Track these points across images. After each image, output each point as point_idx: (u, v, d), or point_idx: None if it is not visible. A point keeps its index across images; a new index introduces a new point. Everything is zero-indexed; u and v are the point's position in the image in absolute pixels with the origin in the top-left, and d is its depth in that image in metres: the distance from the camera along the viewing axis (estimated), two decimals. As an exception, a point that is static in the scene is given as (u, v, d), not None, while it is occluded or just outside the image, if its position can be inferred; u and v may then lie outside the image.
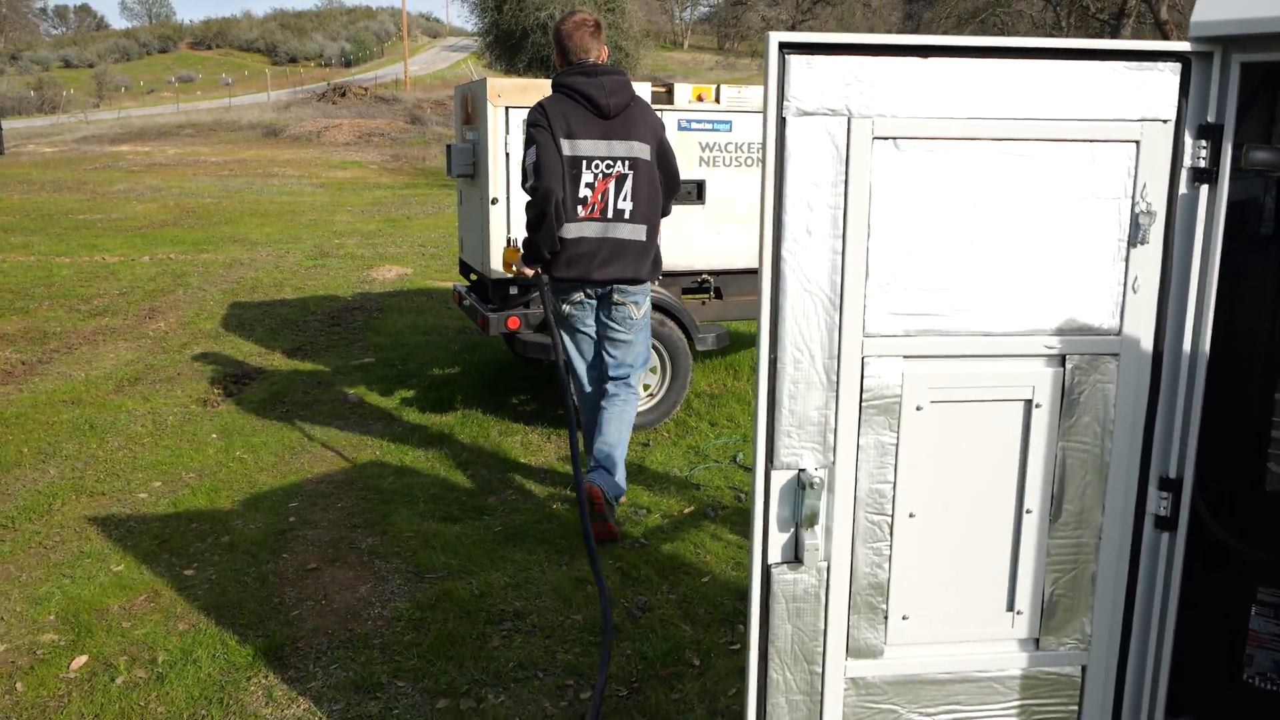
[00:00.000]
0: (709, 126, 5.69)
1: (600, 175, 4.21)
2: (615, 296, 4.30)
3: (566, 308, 4.32)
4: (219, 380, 6.67)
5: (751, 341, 7.08)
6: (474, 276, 6.42)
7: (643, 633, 3.41)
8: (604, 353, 4.42)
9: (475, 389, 6.37)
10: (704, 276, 5.91)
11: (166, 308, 8.83)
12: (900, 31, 69.71)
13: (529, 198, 4.20)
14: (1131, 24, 33.45)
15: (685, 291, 5.89)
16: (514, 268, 4.39)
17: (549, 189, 4.06)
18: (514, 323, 5.44)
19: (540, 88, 5.34)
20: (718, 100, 5.69)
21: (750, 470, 4.80)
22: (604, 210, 4.23)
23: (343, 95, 38.72)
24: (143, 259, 11.19)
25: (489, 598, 3.67)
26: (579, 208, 4.20)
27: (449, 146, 5.94)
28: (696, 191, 5.71)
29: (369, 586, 3.79)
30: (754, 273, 6.03)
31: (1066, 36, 43.14)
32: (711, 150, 5.71)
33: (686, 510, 4.49)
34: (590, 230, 4.22)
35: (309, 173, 21.72)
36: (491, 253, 5.43)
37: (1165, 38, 36.08)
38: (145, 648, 3.40)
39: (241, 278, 10.16)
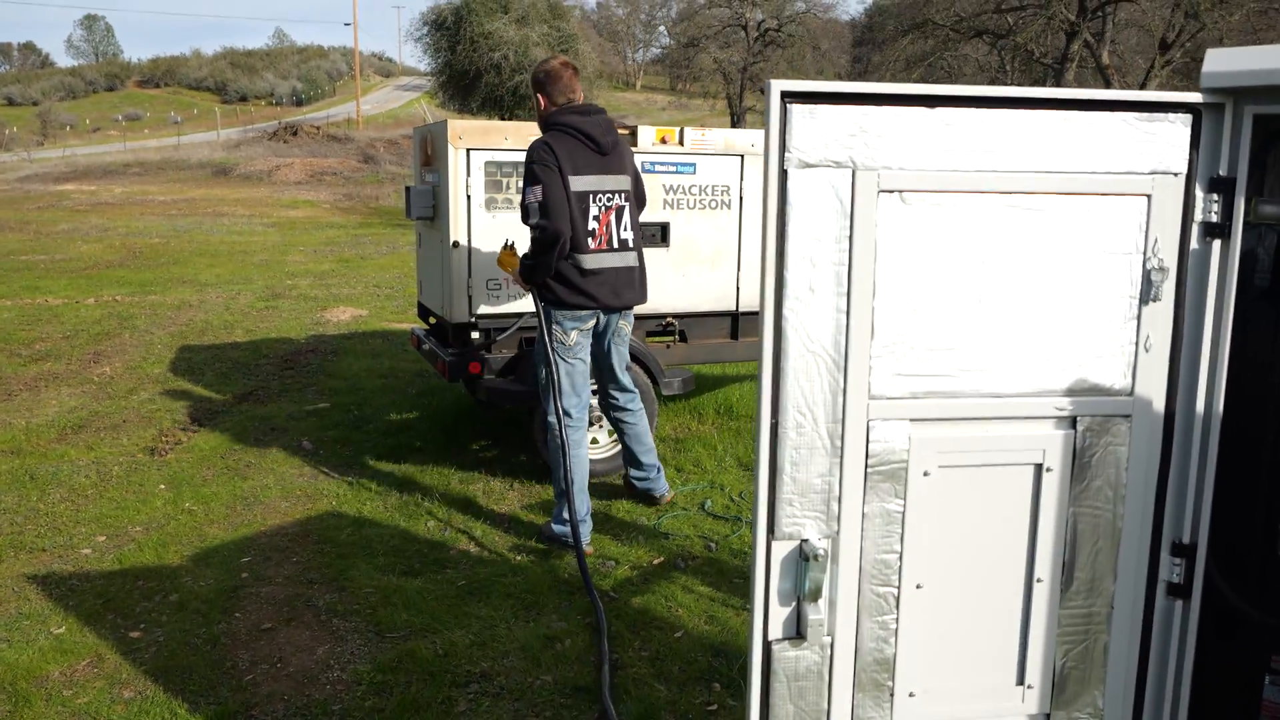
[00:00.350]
0: (673, 169, 5.64)
1: (603, 208, 4.46)
2: (620, 320, 4.64)
3: (575, 334, 4.46)
4: (167, 427, 6.44)
5: (715, 385, 7.01)
6: (433, 320, 6.29)
7: (615, 693, 3.27)
8: (610, 367, 4.71)
9: (434, 434, 6.21)
10: (668, 320, 5.83)
11: (112, 351, 8.56)
12: (849, 75, 71.09)
13: (535, 234, 4.31)
14: (1074, 68, 34.35)
15: (649, 335, 5.80)
16: (510, 272, 4.64)
17: (558, 231, 4.23)
18: (475, 368, 5.31)
19: (501, 129, 5.26)
20: (681, 142, 5.65)
21: (722, 519, 4.77)
22: (610, 241, 4.49)
23: (294, 134, 38.39)
24: (87, 301, 10.88)
25: (453, 658, 3.51)
26: (589, 239, 4.41)
27: (408, 189, 5.83)
28: (661, 234, 5.65)
29: (327, 648, 3.61)
30: (720, 315, 6.00)
31: (1011, 81, 44.25)
32: (675, 193, 5.66)
33: (656, 561, 4.37)
34: (607, 261, 4.47)
35: (260, 212, 21.41)
36: (454, 297, 5.31)
37: (1107, 83, 37.14)
38: (87, 718, 3.19)
39: (191, 320, 9.91)
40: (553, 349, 4.39)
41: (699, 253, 5.77)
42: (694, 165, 5.68)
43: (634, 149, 5.51)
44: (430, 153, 5.68)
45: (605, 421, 5.40)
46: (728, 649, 3.54)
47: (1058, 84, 34.94)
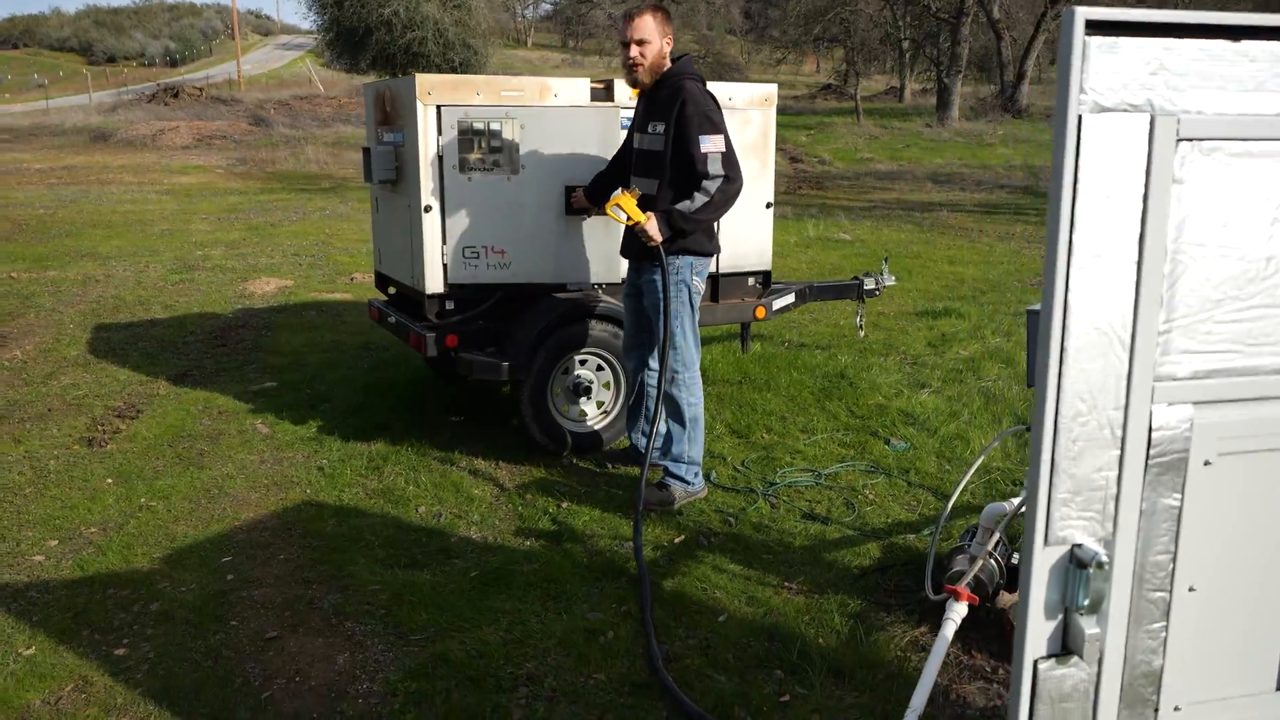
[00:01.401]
0: (651, 125, 5.36)
1: None
2: None
3: (698, 282, 4.46)
4: (100, 415, 5.92)
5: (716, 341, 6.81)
6: (393, 290, 5.91)
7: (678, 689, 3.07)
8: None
9: (400, 410, 5.85)
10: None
11: (19, 333, 7.87)
12: (741, 29, 70.91)
13: (719, 185, 4.22)
14: (969, 22, 34.96)
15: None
16: (628, 219, 4.31)
17: (741, 185, 4.32)
18: (453, 341, 4.99)
19: (471, 84, 4.91)
20: (659, 97, 5.37)
21: (733, 490, 4.53)
22: None
23: (175, 96, 36.45)
24: (-23, 278, 10.02)
25: (490, 659, 3.25)
26: None
27: (366, 150, 5.43)
28: (640, 194, 5.38)
29: (346, 656, 3.31)
30: (730, 277, 5.78)
31: (904, 35, 44.68)
32: (654, 150, 5.39)
33: (677, 540, 4.17)
34: None
35: (150, 179, 20.18)
36: (425, 265, 4.96)
37: (998, 37, 37.89)
38: (88, 754, 2.84)
39: (100, 296, 9.20)
40: (689, 300, 4.41)
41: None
42: (672, 120, 5.41)
43: (610, 104, 5.23)
44: (390, 110, 5.27)
45: (594, 392, 5.15)
46: (779, 632, 3.37)
47: (954, 38, 35.57)
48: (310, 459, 5.17)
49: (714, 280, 5.78)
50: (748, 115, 5.62)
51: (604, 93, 5.27)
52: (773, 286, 6.03)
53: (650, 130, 4.38)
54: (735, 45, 69.76)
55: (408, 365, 6.78)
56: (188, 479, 4.92)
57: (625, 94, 5.27)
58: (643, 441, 4.76)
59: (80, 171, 21.25)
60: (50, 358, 7.20)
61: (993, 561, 3.18)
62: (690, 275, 4.42)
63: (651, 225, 4.21)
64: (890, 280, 6.81)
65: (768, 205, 5.85)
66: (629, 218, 4.24)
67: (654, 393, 4.68)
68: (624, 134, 5.26)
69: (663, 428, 4.58)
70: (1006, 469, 4.82)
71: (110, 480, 4.92)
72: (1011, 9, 41.99)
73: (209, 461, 5.16)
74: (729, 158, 4.22)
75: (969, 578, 3.02)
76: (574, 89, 5.13)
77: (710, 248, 4.52)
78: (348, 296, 9.24)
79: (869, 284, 6.70)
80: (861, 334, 7.19)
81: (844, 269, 10.24)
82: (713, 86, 5.50)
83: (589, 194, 4.95)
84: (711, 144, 4.17)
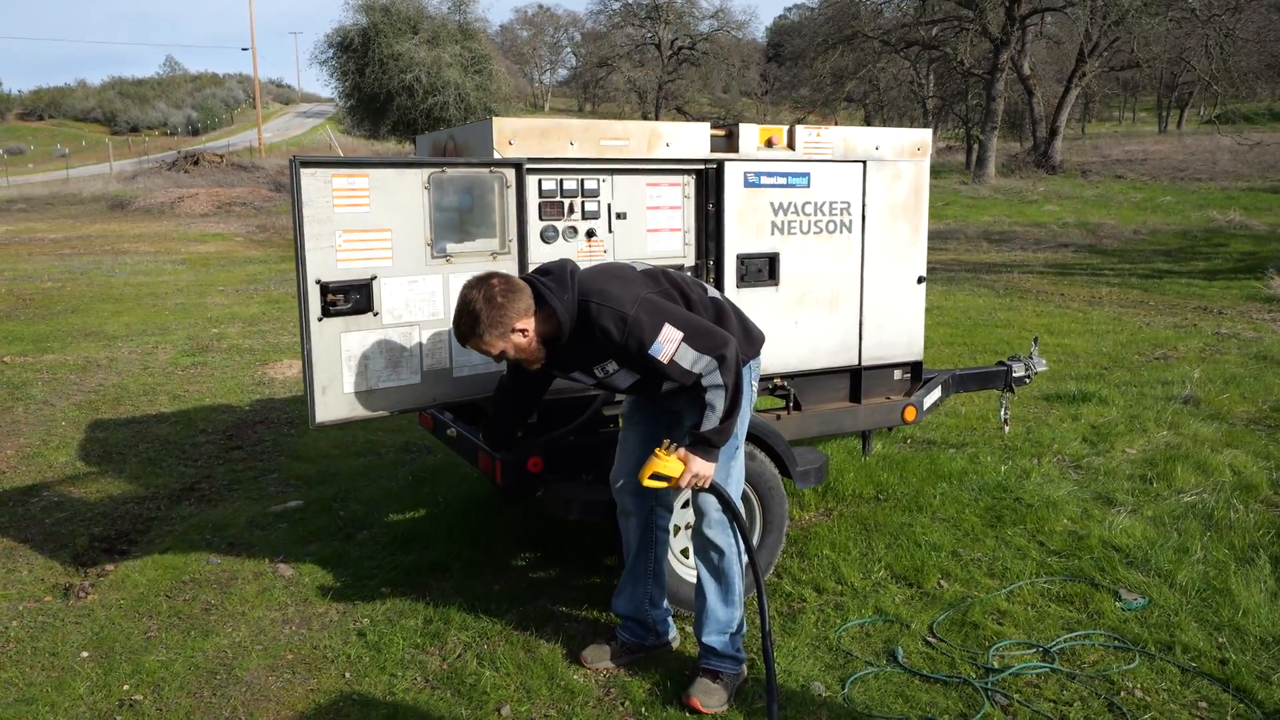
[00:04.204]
0: (783, 181, 4.21)
1: None
2: None
3: (754, 389, 3.39)
4: (84, 548, 4.72)
5: (826, 442, 5.57)
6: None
7: None
8: None
9: (460, 541, 4.62)
10: (777, 380, 4.38)
11: (2, 432, 6.72)
12: (760, 92, 70.86)
13: (714, 375, 3.05)
14: (1004, 78, 34.14)
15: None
16: (677, 477, 3.07)
17: (727, 340, 3.11)
18: (537, 464, 3.77)
19: (565, 130, 3.76)
20: (791, 145, 4.23)
21: (938, 681, 3.10)
22: None
23: (195, 163, 35.98)
24: (-33, 363, 8.92)
25: None
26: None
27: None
28: (768, 268, 4.21)
29: None
30: (837, 373, 4.57)
31: (929, 93, 44.11)
32: (786, 213, 4.23)
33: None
34: None
35: (166, 248, 19.28)
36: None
37: (1029, 93, 37.13)
38: None
39: (101, 385, 8.07)
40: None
41: (815, 292, 4.35)
42: (808, 176, 4.26)
43: (734, 155, 4.09)
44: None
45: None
46: None
47: (988, 94, 34.77)
48: (347, 617, 3.94)
49: (855, 377, 4.58)
50: (897, 169, 4.47)
51: (725, 141, 4.13)
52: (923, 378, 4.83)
53: (607, 371, 3.18)
54: (752, 107, 69.63)
55: (461, 474, 5.57)
56: (187, 652, 3.69)
57: (752, 142, 4.13)
58: (658, 619, 3.59)
59: (95, 241, 20.40)
60: (33, 465, 6.02)
61: None
62: (748, 384, 3.26)
63: (697, 465, 3.01)
64: (1042, 365, 5.59)
65: (920, 280, 4.66)
66: (670, 478, 3.03)
67: (666, 538, 3.59)
68: (750, 192, 4.12)
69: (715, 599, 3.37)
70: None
71: (86, 654, 3.70)
72: (1038, 66, 41.38)
73: (216, 622, 3.93)
74: (691, 334, 2.97)
75: None
76: (691, 136, 3.99)
77: (755, 344, 3.36)
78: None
79: (1018, 370, 5.48)
80: (1006, 429, 5.95)
81: (931, 340, 9.02)
82: (857, 131, 4.37)
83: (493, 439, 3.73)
84: (665, 348, 2.95)
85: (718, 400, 2.96)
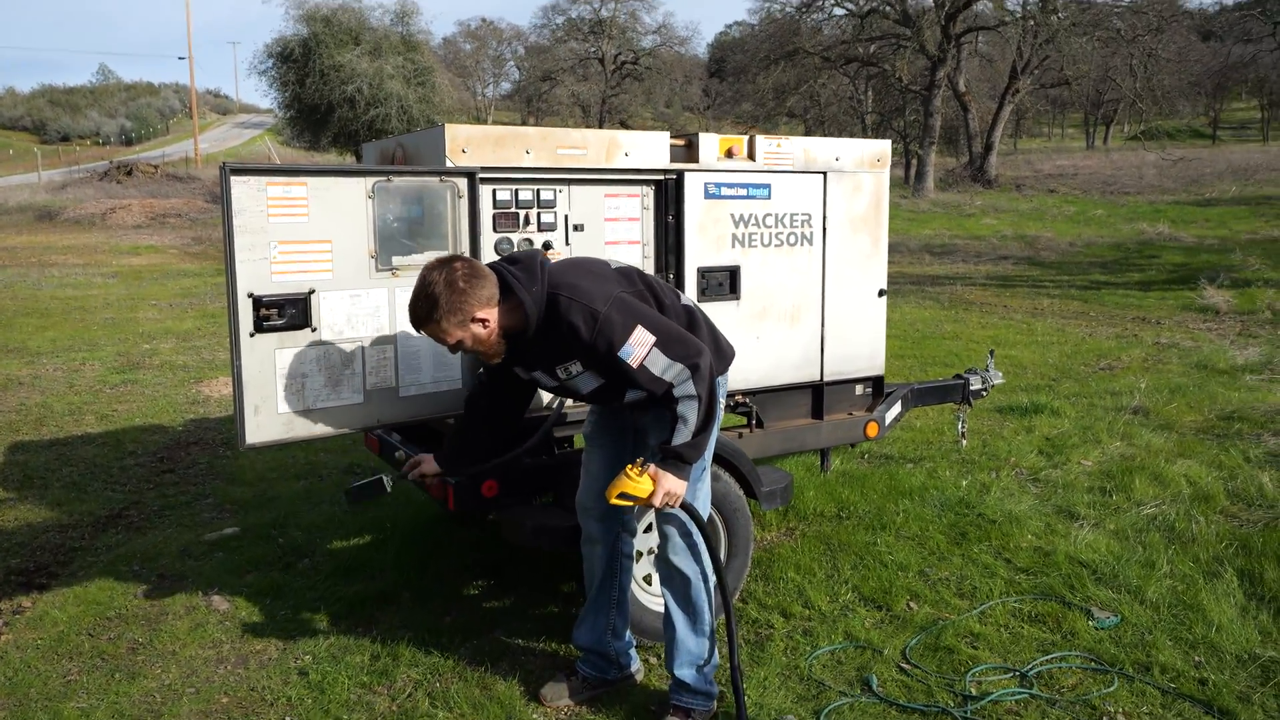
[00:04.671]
0: (744, 193, 4.08)
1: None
2: None
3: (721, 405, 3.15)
4: (0, 582, 4.41)
5: (785, 460, 5.45)
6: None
7: None
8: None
9: (409, 569, 4.40)
10: (739, 398, 4.24)
11: (-88, 458, 6.32)
12: (702, 107, 71.30)
13: (686, 385, 2.87)
14: (940, 94, 34.69)
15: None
16: (645, 496, 2.89)
17: (700, 350, 2.91)
18: (492, 488, 3.58)
19: (521, 138, 3.59)
20: (752, 156, 4.11)
21: (917, 711, 3.02)
22: None
23: (129, 173, 34.98)
24: (-123, 383, 8.43)
25: None
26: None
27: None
28: (729, 281, 4.08)
29: None
30: (799, 389, 4.44)
31: (868, 108, 44.74)
32: (747, 224, 4.10)
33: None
34: None
35: (96, 260, 18.63)
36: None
37: (965, 109, 37.81)
38: None
39: (23, 404, 7.66)
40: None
41: (776, 305, 4.22)
42: (768, 187, 4.14)
43: (694, 166, 3.95)
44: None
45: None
46: None
47: (925, 110, 35.27)
48: (287, 654, 3.70)
49: (817, 392, 4.46)
50: (857, 180, 4.37)
51: (685, 151, 3.99)
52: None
53: (570, 373, 2.96)
54: (694, 122, 69.99)
55: (407, 496, 5.34)
56: (111, 697, 3.42)
57: (712, 152, 4.00)
58: (620, 650, 3.42)
59: (20, 253, 19.65)
60: (-53, 493, 5.66)
61: None
62: (719, 400, 3.09)
63: (669, 484, 2.83)
64: (999, 378, 5.54)
65: (880, 293, 4.57)
66: (639, 498, 2.85)
67: (630, 565, 3.40)
68: (710, 203, 3.98)
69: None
70: None
71: (-1, 700, 3.42)
72: (973, 83, 42.12)
73: (144, 663, 3.66)
74: (663, 341, 2.78)
75: None
76: (650, 145, 3.84)
77: (726, 358, 3.18)
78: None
79: (975, 383, 5.43)
80: (964, 443, 5.89)
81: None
82: (817, 142, 4.26)
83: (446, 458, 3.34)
84: (635, 351, 2.76)
85: (690, 412, 2.79)
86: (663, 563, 3.14)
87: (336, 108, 36.10)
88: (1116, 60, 35.21)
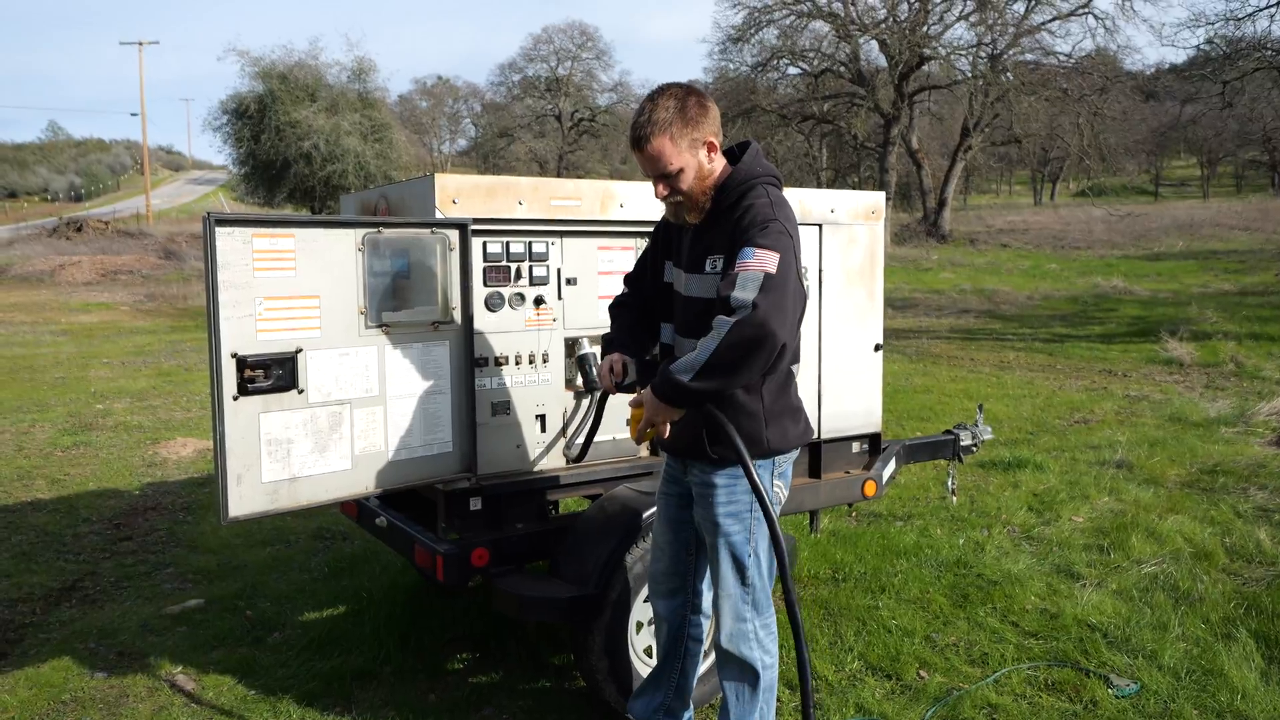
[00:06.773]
0: (740, 244, 3.96)
1: None
2: None
3: (780, 487, 2.91)
4: (-58, 666, 4.08)
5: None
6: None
7: None
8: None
9: (388, 643, 4.13)
10: (736, 457, 4.08)
11: None
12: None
13: (737, 316, 2.50)
14: (895, 151, 35.37)
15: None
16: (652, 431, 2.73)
17: (775, 334, 2.50)
18: (482, 557, 3.38)
19: (512, 189, 3.45)
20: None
21: None
22: None
23: (79, 230, 34.33)
24: None
25: None
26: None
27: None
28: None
29: None
30: (834, 444, 4.29)
31: (823, 164, 45.47)
32: (743, 278, 3.97)
33: None
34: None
35: (45, 318, 18.13)
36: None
37: (918, 166, 38.55)
38: None
39: (-33, 470, 7.28)
40: (768, 516, 2.63)
41: (774, 360, 4.08)
42: (764, 238, 4.02)
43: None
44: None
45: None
46: None
47: (880, 166, 35.92)
48: (261, 740, 3.43)
49: (814, 450, 4.32)
50: (852, 233, 4.28)
51: (679, 202, 3.87)
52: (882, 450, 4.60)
53: (708, 269, 2.79)
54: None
55: (384, 562, 5.09)
56: (68, 793, 3.13)
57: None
58: None
59: (-36, 311, 19.06)
60: (-116, 566, 5.29)
61: None
62: (771, 480, 2.85)
63: (651, 410, 2.65)
64: (988, 433, 5.44)
65: (876, 348, 4.46)
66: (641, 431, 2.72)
67: (698, 649, 3.16)
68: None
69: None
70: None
71: (-58, 799, 3.11)
72: (925, 140, 43.06)
73: (103, 754, 3.37)
74: (779, 280, 2.51)
75: None
76: (646, 196, 3.72)
77: (794, 435, 2.90)
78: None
79: (965, 438, 5.32)
80: (954, 499, 5.77)
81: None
82: (812, 193, 4.17)
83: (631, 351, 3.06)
84: (757, 258, 2.54)
85: (711, 342, 2.50)
86: (721, 652, 2.89)
87: (292, 163, 35.95)
88: (1064, 119, 36.21)
